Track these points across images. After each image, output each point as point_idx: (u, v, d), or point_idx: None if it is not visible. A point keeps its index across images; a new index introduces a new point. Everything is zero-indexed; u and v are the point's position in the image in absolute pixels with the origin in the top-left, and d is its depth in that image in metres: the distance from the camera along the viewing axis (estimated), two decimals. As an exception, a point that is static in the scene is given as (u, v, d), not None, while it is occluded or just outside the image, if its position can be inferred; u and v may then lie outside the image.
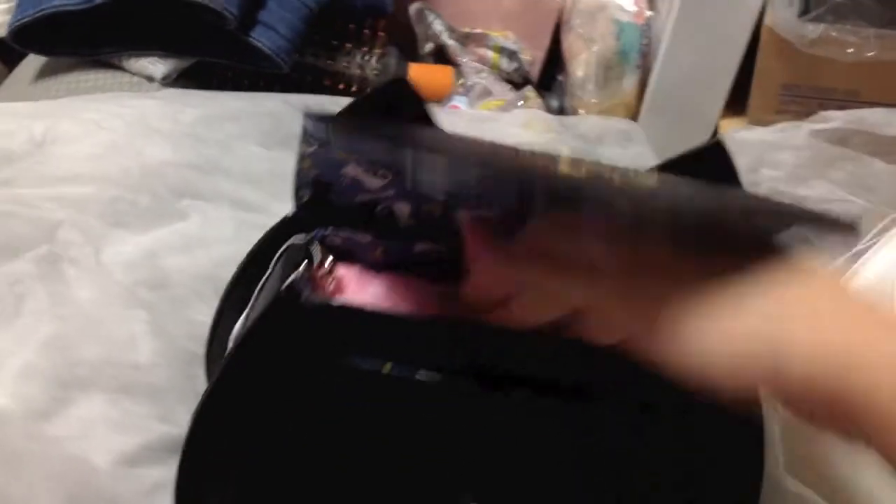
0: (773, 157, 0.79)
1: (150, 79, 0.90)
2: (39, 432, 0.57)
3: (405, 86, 0.47)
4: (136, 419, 0.59)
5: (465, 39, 1.00)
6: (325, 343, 0.47)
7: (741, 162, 0.80)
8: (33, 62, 0.97)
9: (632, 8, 0.94)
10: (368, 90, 0.47)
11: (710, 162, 0.48)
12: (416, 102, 0.47)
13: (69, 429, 0.58)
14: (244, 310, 0.56)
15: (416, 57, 1.05)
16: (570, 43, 0.96)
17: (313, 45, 0.96)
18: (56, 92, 0.90)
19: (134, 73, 0.91)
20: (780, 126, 0.81)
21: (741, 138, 0.80)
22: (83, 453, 0.56)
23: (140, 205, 0.69)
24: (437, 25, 1.01)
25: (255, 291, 0.55)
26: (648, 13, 0.95)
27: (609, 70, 0.93)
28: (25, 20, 0.87)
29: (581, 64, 0.93)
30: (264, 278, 0.55)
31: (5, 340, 0.61)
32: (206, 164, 0.73)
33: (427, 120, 0.48)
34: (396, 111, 0.47)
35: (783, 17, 0.83)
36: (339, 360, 0.47)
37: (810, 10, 0.81)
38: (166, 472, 0.57)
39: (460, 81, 0.99)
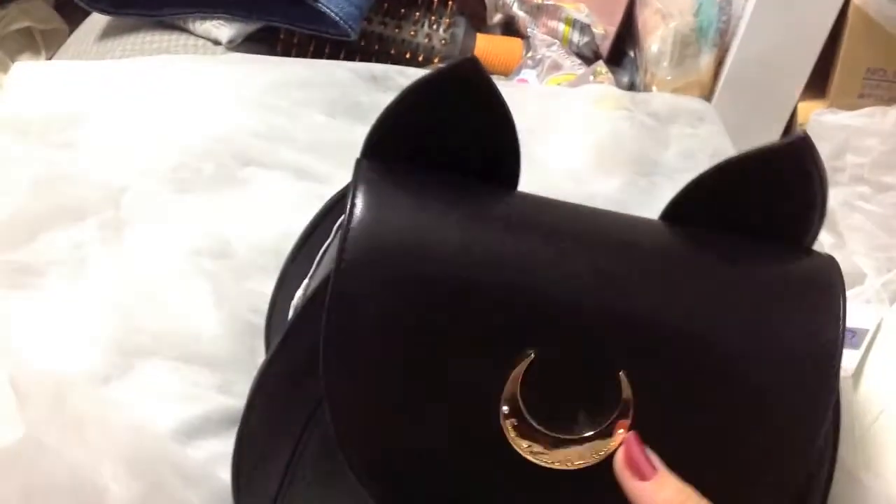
0: (859, 143, 0.76)
1: (215, 42, 0.89)
2: (101, 397, 0.56)
3: (475, 67, 0.44)
4: (197, 389, 0.59)
5: (536, 11, 0.98)
6: None
7: (824, 148, 0.78)
8: (96, 21, 0.96)
9: (712, -17, 0.90)
10: (437, 67, 0.43)
11: (790, 158, 0.45)
12: (486, 85, 0.44)
13: (130, 396, 0.57)
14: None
15: (485, 28, 1.03)
16: (645, 18, 0.92)
17: (381, 13, 0.94)
18: (120, 53, 0.89)
19: (199, 36, 0.89)
20: (866, 111, 0.78)
21: (825, 122, 0.77)
22: (144, 420, 0.56)
23: (204, 172, 0.68)
24: (510, -5, 0.99)
25: (316, 259, 0.54)
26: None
27: (686, 47, 0.89)
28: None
29: (657, 40, 0.90)
30: (324, 246, 0.54)
31: (68, 304, 0.60)
32: (271, 132, 0.72)
33: (496, 105, 0.45)
34: (465, 94, 0.44)
35: (874, -2, 0.80)
36: None
37: (905, -10, 0.78)
38: (224, 444, 0.57)
39: (529, 54, 0.97)
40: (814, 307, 0.45)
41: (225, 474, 0.55)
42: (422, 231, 0.43)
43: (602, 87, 0.88)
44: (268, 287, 0.61)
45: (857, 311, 0.62)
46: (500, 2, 1.00)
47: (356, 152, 0.50)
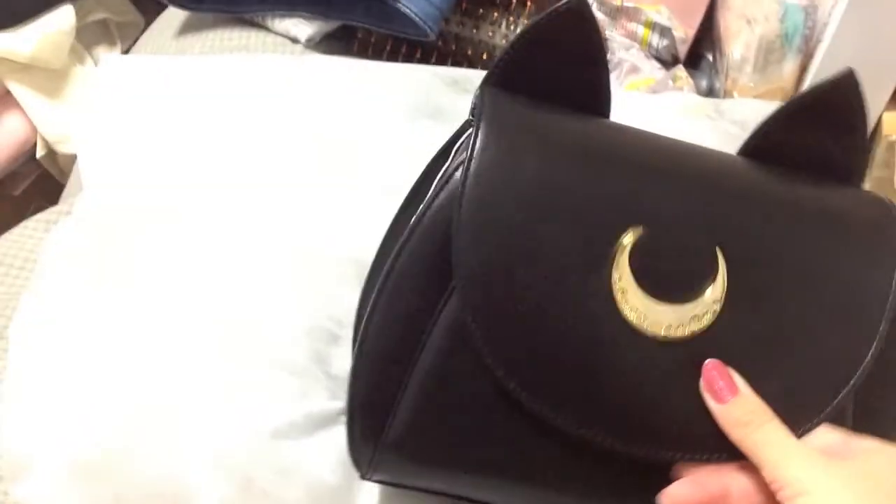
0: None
1: (294, 40, 0.89)
2: (186, 398, 0.57)
3: (581, 12, 0.51)
4: (280, 394, 0.59)
5: (616, 13, 0.96)
6: None
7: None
8: (174, 16, 0.97)
9: (798, -12, 0.88)
10: (546, 12, 0.51)
11: (838, 91, 0.53)
12: (590, 32, 0.52)
13: (213, 399, 0.57)
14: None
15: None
16: (728, 22, 0.90)
17: (459, 13, 0.94)
18: (199, 49, 0.90)
19: (277, 34, 0.90)
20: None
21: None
22: (240, 422, 0.57)
23: (289, 175, 0.68)
24: (587, -4, 0.97)
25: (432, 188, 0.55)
26: (818, -4, 0.89)
27: (770, 53, 0.87)
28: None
29: (740, 45, 0.88)
30: (440, 176, 0.55)
31: (158, 304, 0.61)
32: (353, 136, 0.72)
33: (597, 43, 0.52)
34: (567, 42, 0.51)
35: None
36: None
37: None
38: (310, 446, 0.58)
39: (607, 57, 0.95)
40: (868, 250, 0.51)
41: (316, 469, 0.56)
42: (543, 149, 0.50)
43: (684, 95, 0.86)
44: (347, 297, 0.60)
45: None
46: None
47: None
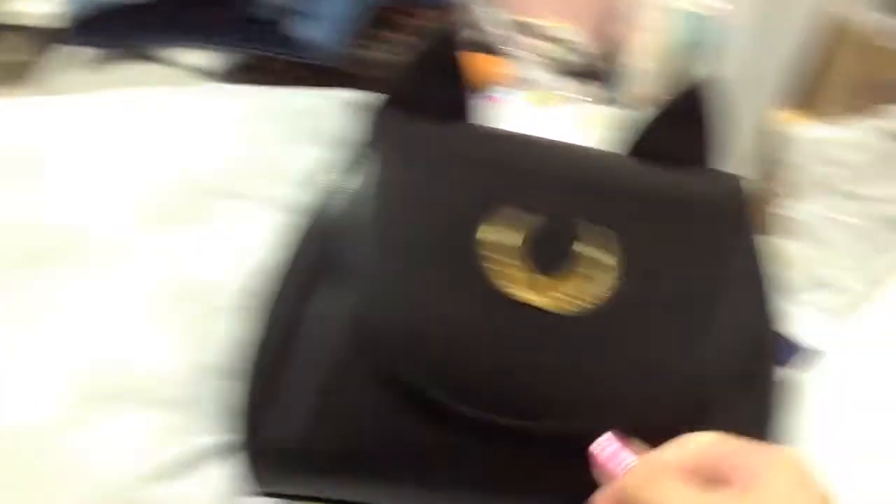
0: (839, 156, 0.76)
1: (196, 71, 0.89)
2: (61, 446, 0.56)
3: (447, 40, 0.62)
4: (163, 432, 0.58)
5: (520, 28, 0.97)
6: None
7: (805, 161, 0.77)
8: (72, 54, 0.95)
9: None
10: (420, 45, 0.61)
11: (690, 107, 0.64)
12: (454, 56, 0.62)
13: (93, 443, 0.56)
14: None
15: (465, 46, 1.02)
16: (628, 34, 0.92)
17: (365, 38, 0.94)
18: (99, 85, 0.89)
19: (180, 67, 0.89)
20: (846, 123, 0.77)
21: (806, 136, 0.76)
22: (107, 468, 0.55)
23: (176, 207, 0.68)
24: (488, 14, 0.98)
25: None
26: (719, 5, 0.90)
27: (669, 63, 0.89)
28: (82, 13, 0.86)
29: (640, 56, 0.89)
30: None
31: (26, 350, 0.59)
32: (246, 164, 0.72)
33: (460, 73, 0.62)
34: (438, 65, 0.62)
35: (859, 9, 0.79)
36: None
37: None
38: (194, 483, 0.57)
39: (511, 73, 0.96)
40: (716, 228, 0.60)
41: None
42: (426, 159, 0.58)
43: (585, 107, 0.87)
44: (234, 328, 0.60)
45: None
46: (478, 19, 0.99)
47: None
